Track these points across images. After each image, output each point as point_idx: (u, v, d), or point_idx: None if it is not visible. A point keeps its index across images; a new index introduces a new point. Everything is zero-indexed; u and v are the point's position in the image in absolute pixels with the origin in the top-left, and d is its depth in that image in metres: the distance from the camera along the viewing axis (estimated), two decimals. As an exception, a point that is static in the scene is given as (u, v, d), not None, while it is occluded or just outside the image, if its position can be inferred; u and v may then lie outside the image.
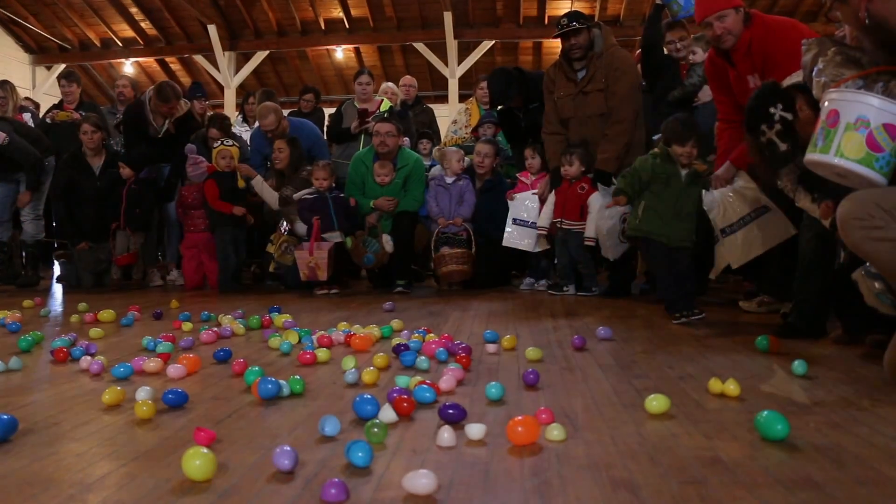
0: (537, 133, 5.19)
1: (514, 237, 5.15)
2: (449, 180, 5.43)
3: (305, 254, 4.97)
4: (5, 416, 1.63)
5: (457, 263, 5.15)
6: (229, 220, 5.41)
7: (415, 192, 5.43)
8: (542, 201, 5.06)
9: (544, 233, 4.97)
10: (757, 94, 2.85)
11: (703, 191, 3.74)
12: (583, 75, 4.81)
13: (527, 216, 5.12)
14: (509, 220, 5.15)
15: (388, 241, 5.24)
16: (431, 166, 5.94)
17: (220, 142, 5.52)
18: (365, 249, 5.24)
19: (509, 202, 5.19)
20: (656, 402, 1.79)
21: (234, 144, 5.52)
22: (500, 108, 5.67)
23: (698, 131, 3.72)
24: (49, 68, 14.15)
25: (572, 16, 4.85)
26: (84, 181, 5.65)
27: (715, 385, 2.01)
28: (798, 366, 2.25)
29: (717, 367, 2.40)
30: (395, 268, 5.31)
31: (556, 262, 5.16)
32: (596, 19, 10.90)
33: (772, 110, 2.69)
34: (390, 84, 7.37)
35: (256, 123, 6.05)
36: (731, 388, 1.97)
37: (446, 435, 1.56)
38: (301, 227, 5.21)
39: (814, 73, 2.59)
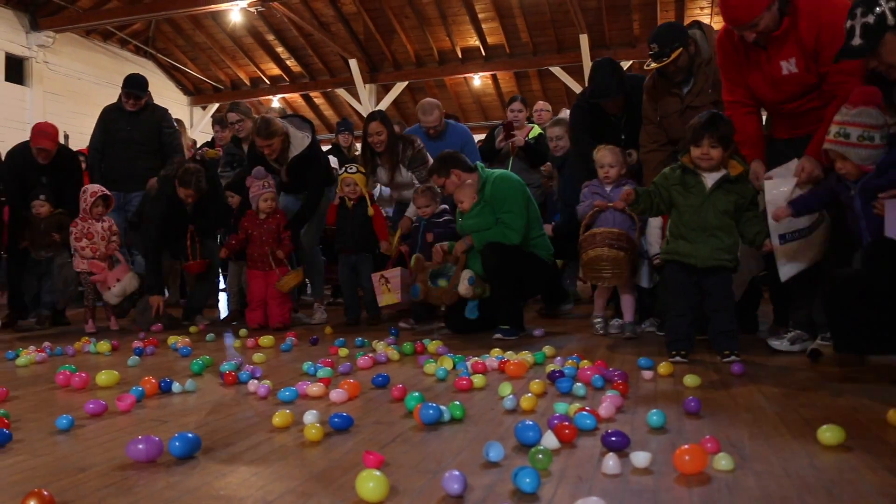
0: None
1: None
2: (608, 188, 4.17)
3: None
4: (191, 435, 1.75)
5: (610, 246, 3.76)
6: (362, 245, 5.00)
7: (505, 217, 4.09)
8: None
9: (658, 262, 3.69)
10: None
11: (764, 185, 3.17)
12: (688, 89, 3.97)
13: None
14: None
15: (464, 281, 4.03)
16: None
17: (343, 168, 5.16)
18: (426, 276, 4.23)
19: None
20: (830, 433, 1.70)
21: (357, 171, 5.00)
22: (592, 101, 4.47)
23: (721, 128, 3.12)
24: (204, 108, 15.27)
25: (662, 40, 3.84)
26: (178, 222, 5.14)
27: (894, 416, 1.89)
28: None
29: (893, 397, 2.25)
30: (498, 309, 4.11)
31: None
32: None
33: None
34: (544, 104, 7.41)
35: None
36: (915, 419, 1.85)
37: (611, 462, 1.55)
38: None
39: None
